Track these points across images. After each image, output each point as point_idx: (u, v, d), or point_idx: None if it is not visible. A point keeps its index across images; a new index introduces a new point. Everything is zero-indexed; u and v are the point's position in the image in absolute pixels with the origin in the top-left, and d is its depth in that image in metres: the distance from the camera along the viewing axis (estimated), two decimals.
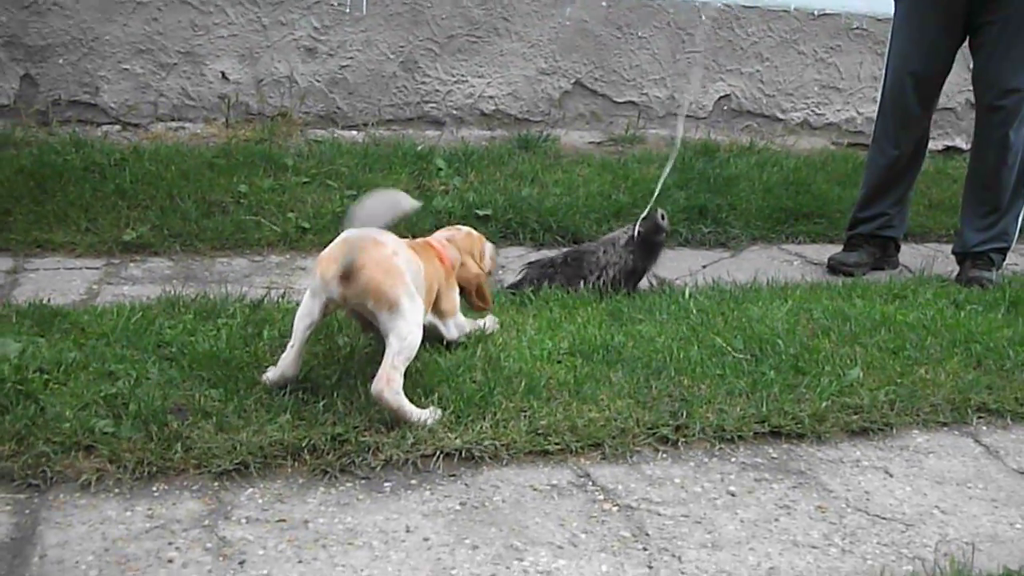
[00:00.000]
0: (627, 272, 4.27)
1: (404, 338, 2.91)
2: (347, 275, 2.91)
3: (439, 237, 3.56)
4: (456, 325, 3.45)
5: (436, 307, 3.33)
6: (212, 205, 4.84)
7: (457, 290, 3.48)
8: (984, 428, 3.42)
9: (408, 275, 2.98)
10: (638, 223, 4.34)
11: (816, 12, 7.11)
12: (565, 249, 4.56)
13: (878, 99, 5.21)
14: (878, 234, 5.20)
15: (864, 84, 7.29)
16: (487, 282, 3.65)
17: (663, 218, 4.34)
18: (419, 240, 3.46)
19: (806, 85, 7.17)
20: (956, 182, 6.62)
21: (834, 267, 5.07)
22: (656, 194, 4.48)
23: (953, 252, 5.16)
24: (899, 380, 3.51)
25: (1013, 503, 2.96)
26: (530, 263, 4.40)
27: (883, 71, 5.17)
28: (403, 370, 2.90)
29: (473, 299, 3.58)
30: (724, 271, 4.79)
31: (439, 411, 2.98)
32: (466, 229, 3.72)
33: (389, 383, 2.86)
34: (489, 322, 3.64)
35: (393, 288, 2.91)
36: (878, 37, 7.23)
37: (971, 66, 4.95)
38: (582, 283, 4.20)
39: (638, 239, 4.30)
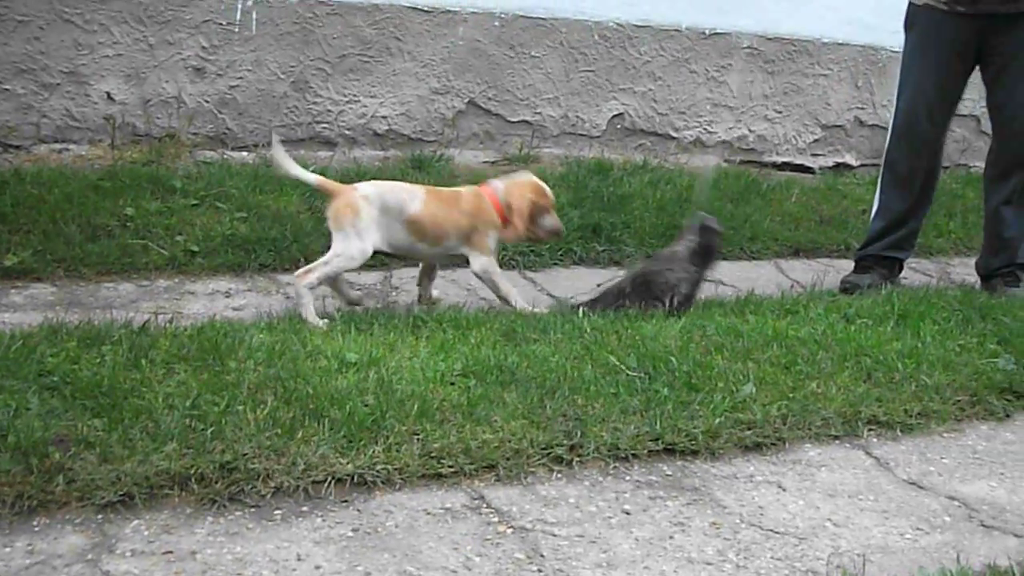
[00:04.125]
0: (694, 284, 4.43)
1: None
2: None
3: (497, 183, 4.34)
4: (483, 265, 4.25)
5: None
6: (97, 229, 4.72)
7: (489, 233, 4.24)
8: (875, 440, 3.48)
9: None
10: (697, 234, 4.45)
11: (707, 31, 7.19)
12: (628, 273, 4.58)
13: (889, 127, 5.38)
14: (887, 255, 5.32)
15: (755, 102, 7.39)
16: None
17: (717, 223, 4.53)
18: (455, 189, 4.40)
19: (698, 104, 7.25)
20: (846, 198, 6.75)
21: (847, 289, 5.13)
22: (698, 205, 4.71)
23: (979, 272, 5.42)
24: (791, 395, 3.54)
25: (903, 514, 3.00)
26: (602, 292, 4.50)
27: (894, 100, 5.35)
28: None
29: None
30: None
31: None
32: (541, 184, 4.38)
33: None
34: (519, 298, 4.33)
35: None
36: (768, 56, 7.35)
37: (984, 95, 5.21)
38: (660, 305, 4.31)
39: (700, 249, 4.42)
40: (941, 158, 5.35)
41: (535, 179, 4.38)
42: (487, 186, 4.31)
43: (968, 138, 8.17)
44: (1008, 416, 3.78)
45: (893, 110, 5.37)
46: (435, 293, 4.43)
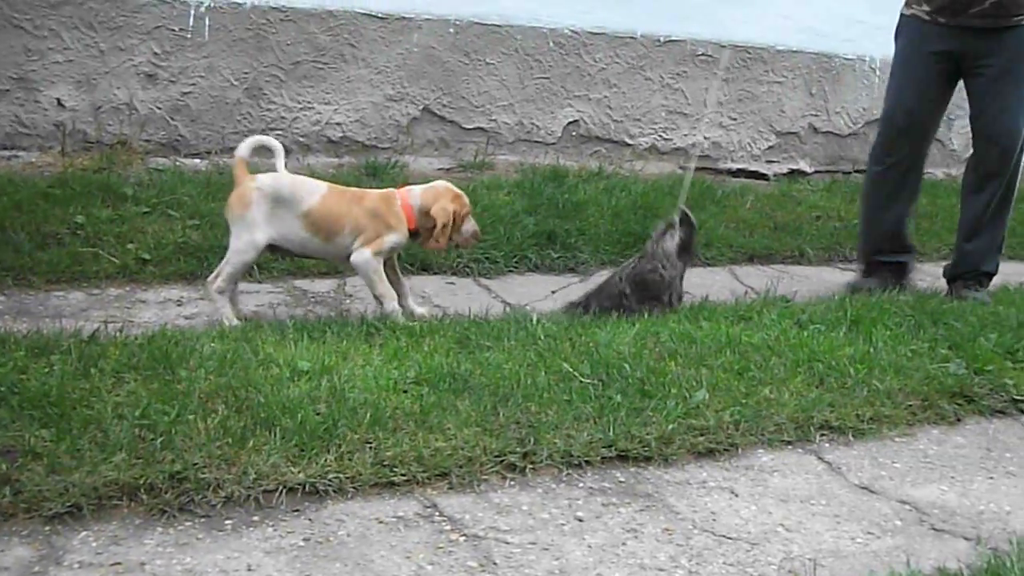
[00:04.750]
0: (682, 277, 4.61)
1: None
2: None
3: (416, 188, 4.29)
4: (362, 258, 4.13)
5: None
6: (47, 237, 4.68)
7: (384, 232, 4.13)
8: (827, 445, 3.49)
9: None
10: (677, 231, 4.58)
11: (662, 39, 7.21)
12: (620, 272, 4.65)
13: (875, 135, 5.50)
14: (886, 260, 5.40)
15: (710, 109, 7.42)
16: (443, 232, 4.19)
17: (692, 216, 4.70)
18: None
19: (653, 110, 7.27)
20: (800, 204, 6.79)
21: (854, 292, 5.20)
22: (681, 201, 4.79)
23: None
24: (744, 400, 3.55)
25: (854, 518, 3.01)
26: (591, 294, 4.60)
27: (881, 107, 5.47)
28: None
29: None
30: (574, 296, 4.79)
31: None
32: (459, 192, 4.30)
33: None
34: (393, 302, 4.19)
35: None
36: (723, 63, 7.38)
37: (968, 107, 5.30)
38: (658, 304, 4.48)
39: (683, 244, 4.60)
40: (923, 166, 5.43)
41: (452, 187, 4.33)
42: (403, 191, 4.26)
43: None
44: (959, 420, 3.81)
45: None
46: (418, 311, 4.32)
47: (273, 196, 4.05)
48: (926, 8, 5.12)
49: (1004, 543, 2.89)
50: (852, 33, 7.82)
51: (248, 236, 4.03)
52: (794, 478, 3.23)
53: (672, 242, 4.58)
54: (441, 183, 4.35)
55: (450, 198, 4.22)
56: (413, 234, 4.20)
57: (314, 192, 4.13)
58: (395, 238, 4.15)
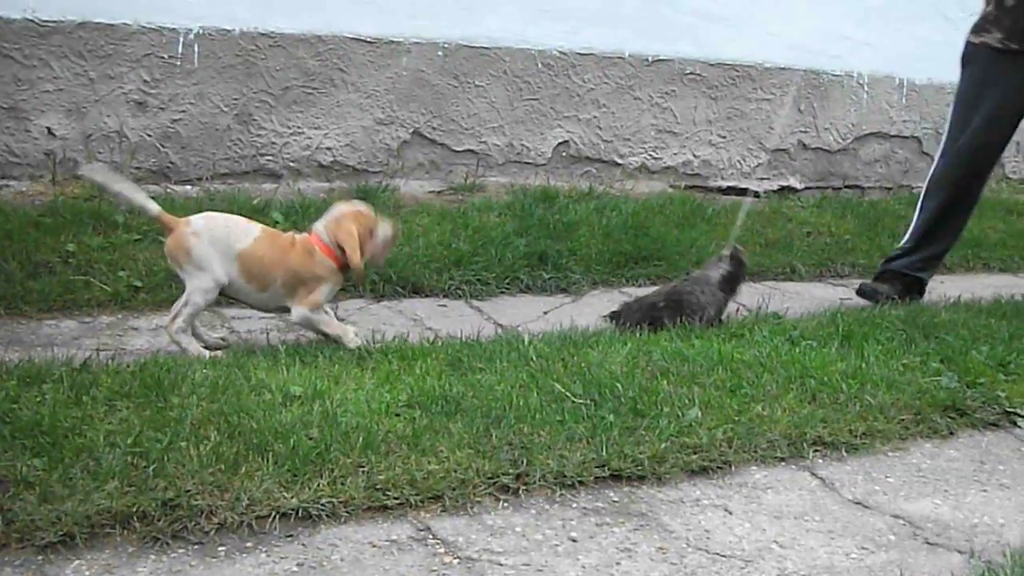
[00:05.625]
0: (720, 307, 4.72)
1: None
2: None
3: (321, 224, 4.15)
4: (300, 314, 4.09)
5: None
6: (38, 265, 4.68)
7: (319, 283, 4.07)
8: (820, 461, 3.49)
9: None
10: (727, 263, 4.79)
11: (650, 58, 7.24)
12: (659, 289, 4.85)
13: (937, 161, 5.46)
14: (909, 273, 5.43)
15: (699, 128, 7.45)
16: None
17: (744, 254, 4.90)
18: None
19: (643, 130, 7.29)
20: (791, 221, 6.80)
21: (864, 294, 5.30)
22: (733, 236, 5.01)
23: None
24: (737, 418, 3.56)
25: (848, 533, 3.01)
26: (628, 303, 4.74)
27: (943, 134, 5.44)
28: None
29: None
30: (566, 316, 4.80)
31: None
32: (357, 208, 4.21)
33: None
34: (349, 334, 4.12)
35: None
36: (711, 82, 7.41)
37: None
38: (692, 322, 4.58)
39: (730, 277, 4.76)
40: (980, 194, 5.47)
41: (351, 205, 4.23)
42: (313, 234, 4.13)
43: (910, 159, 8.27)
44: (952, 434, 3.82)
45: (941, 143, 5.46)
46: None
47: (209, 238, 3.98)
48: (998, 35, 5.10)
49: (998, 556, 2.89)
50: (839, 49, 7.86)
51: (205, 275, 3.97)
52: (787, 494, 3.24)
53: (716, 272, 4.74)
54: (340, 207, 4.21)
55: (351, 219, 4.11)
56: (344, 267, 4.11)
57: (247, 233, 4.06)
58: (328, 287, 4.11)
